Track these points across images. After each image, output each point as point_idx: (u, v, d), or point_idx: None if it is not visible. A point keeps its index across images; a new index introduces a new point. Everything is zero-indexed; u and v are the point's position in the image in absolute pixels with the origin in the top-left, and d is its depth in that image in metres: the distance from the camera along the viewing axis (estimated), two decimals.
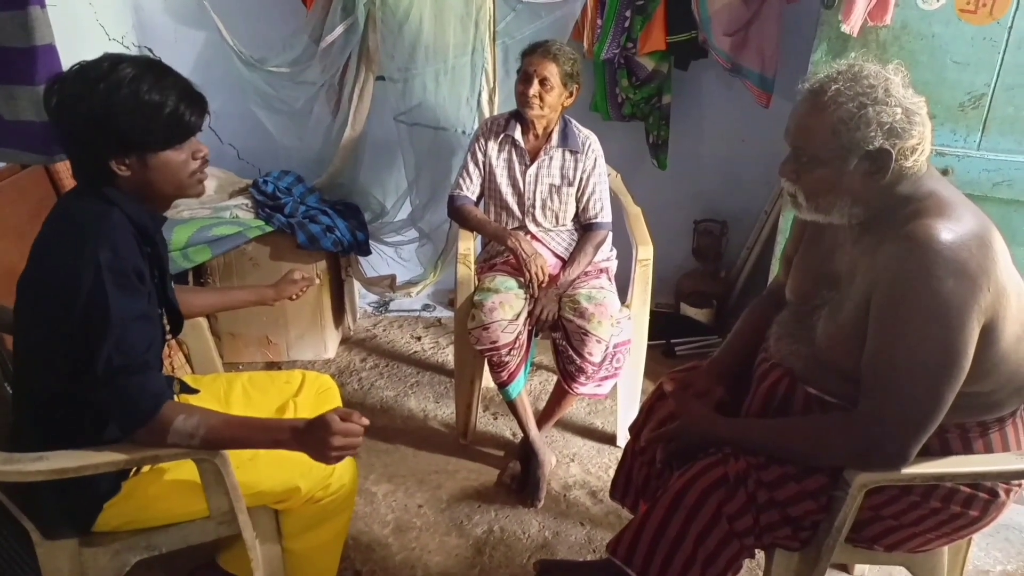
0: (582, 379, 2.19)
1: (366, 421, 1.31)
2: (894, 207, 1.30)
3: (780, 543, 1.41)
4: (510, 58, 2.70)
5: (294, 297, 1.85)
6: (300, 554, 1.61)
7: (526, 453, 2.30)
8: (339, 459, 1.31)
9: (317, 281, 1.87)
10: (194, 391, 1.64)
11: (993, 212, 1.35)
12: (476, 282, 2.32)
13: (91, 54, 1.28)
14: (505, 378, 2.21)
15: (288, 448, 1.32)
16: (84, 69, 1.25)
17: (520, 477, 2.27)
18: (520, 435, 2.37)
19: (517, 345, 2.18)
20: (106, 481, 1.39)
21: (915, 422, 1.25)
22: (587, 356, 2.14)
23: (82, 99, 1.23)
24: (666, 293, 3.20)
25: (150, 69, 1.27)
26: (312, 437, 1.29)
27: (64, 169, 2.18)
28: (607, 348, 2.17)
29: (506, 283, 2.25)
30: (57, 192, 2.20)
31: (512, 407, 2.28)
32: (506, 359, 2.17)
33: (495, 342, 2.14)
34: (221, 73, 2.75)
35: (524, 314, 2.20)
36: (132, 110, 1.24)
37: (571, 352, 2.17)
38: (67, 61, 1.36)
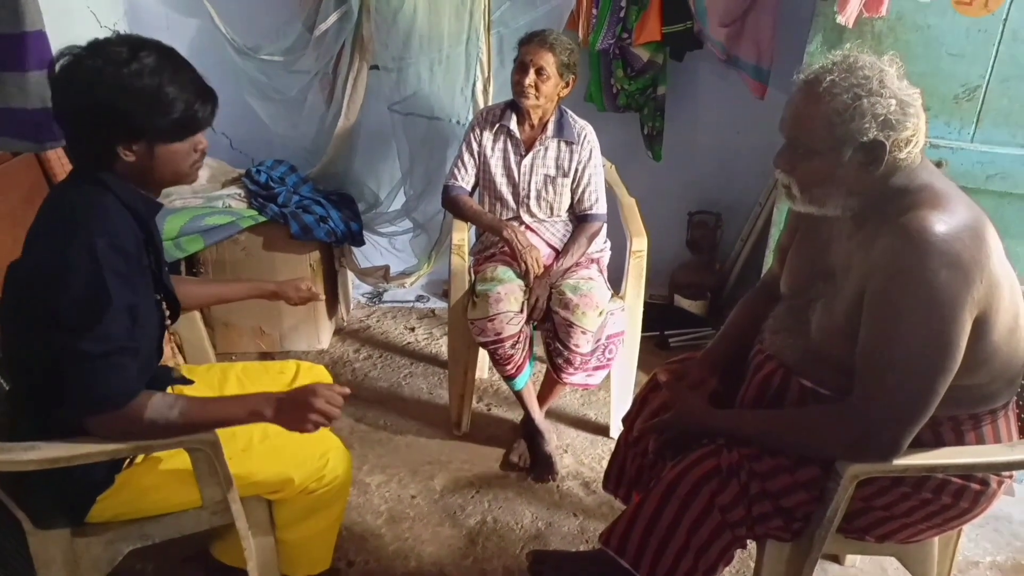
0: (570, 369, 2.19)
1: (347, 391, 1.37)
2: (888, 199, 1.30)
3: (772, 534, 1.42)
4: (505, 48, 2.68)
5: (294, 301, 1.82)
6: (293, 544, 1.62)
7: (530, 432, 2.33)
8: (315, 427, 1.32)
9: (322, 298, 1.84)
10: (189, 381, 1.63)
11: (987, 204, 1.35)
12: (472, 273, 2.31)
13: (82, 41, 1.25)
14: (512, 371, 2.21)
15: (264, 419, 1.34)
16: (102, 50, 1.23)
17: (530, 456, 2.31)
18: (513, 426, 2.37)
19: (521, 338, 2.18)
20: (99, 473, 1.39)
21: (907, 413, 1.25)
22: (574, 348, 2.14)
23: (99, 82, 1.20)
24: (660, 284, 3.20)
25: (169, 60, 1.27)
26: (293, 404, 1.33)
27: (55, 157, 2.16)
28: (596, 338, 2.17)
29: (507, 273, 2.24)
30: (48, 180, 2.18)
31: (518, 395, 2.31)
32: (511, 352, 2.17)
33: (499, 334, 2.13)
34: (214, 61, 2.72)
35: (525, 306, 2.20)
36: (151, 101, 1.23)
37: (558, 344, 2.17)
38: (57, 48, 1.33)
